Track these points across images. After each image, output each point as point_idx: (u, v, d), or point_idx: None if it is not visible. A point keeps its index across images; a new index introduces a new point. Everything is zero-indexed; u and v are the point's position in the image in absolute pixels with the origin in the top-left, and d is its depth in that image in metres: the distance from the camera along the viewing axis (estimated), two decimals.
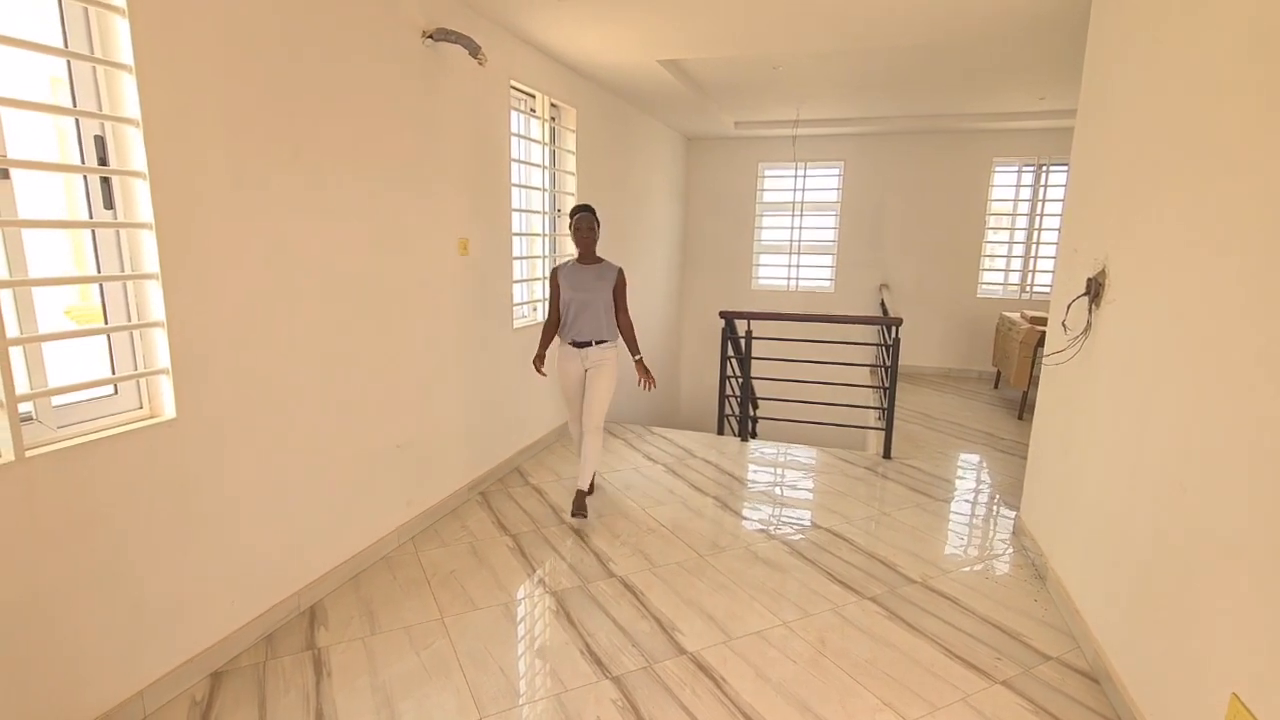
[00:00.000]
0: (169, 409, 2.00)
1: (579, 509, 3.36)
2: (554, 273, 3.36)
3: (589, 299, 3.27)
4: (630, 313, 3.46)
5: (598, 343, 3.33)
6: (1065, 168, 6.64)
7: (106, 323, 1.94)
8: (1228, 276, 1.67)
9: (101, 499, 1.82)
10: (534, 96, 4.25)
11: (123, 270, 1.94)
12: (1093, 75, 2.82)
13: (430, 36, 2.96)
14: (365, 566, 2.87)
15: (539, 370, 3.48)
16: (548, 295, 3.45)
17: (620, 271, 3.37)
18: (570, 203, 4.72)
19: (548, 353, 3.50)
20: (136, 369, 1.98)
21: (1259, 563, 1.46)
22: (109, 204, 1.90)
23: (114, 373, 1.95)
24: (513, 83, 3.84)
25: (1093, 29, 2.85)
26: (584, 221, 3.30)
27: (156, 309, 1.95)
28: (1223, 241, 1.71)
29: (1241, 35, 1.70)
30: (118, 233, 1.91)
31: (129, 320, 1.96)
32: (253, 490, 2.29)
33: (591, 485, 3.49)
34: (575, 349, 3.34)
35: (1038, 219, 7.02)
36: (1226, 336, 1.66)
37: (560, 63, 4.34)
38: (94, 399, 1.90)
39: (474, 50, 3.04)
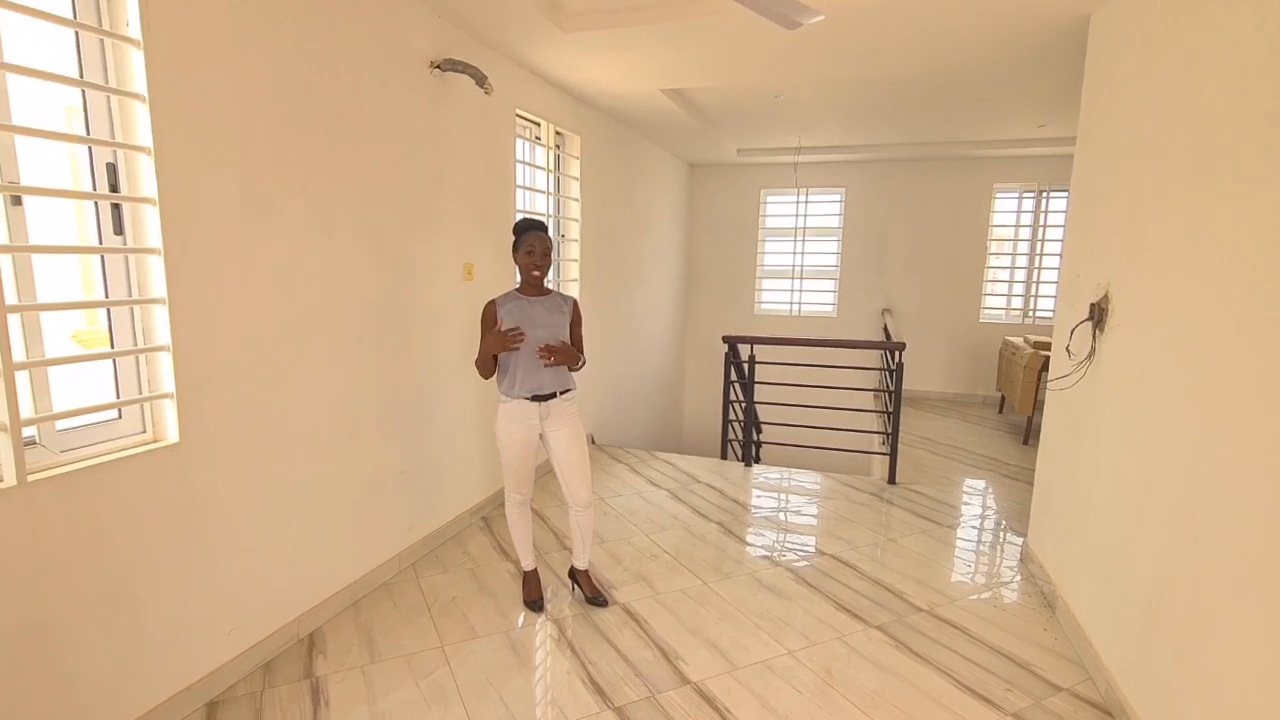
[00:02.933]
0: (172, 433, 2.00)
1: (597, 593, 2.82)
2: (490, 307, 2.58)
3: (545, 339, 2.55)
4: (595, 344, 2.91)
5: (562, 393, 2.65)
6: (1065, 193, 6.68)
7: (113, 347, 1.95)
8: (1231, 301, 1.67)
9: (103, 524, 1.81)
10: (539, 124, 4.31)
11: (130, 295, 1.96)
12: (1091, 103, 2.85)
13: (438, 67, 3.02)
14: (365, 593, 2.84)
15: (512, 337, 2.51)
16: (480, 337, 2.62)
17: (576, 304, 2.71)
18: (575, 229, 4.76)
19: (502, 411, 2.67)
20: (141, 393, 1.99)
21: (1270, 591, 1.44)
22: (119, 229, 1.92)
23: (119, 397, 1.96)
24: (518, 111, 3.90)
25: (1090, 58, 2.89)
26: (540, 242, 2.54)
27: (163, 333, 1.96)
28: (1225, 266, 1.71)
29: (1241, 62, 1.72)
30: (126, 258, 1.93)
31: (135, 345, 1.97)
32: (254, 515, 2.28)
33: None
34: (533, 405, 2.58)
35: (1039, 244, 7.06)
36: (1231, 361, 1.65)
37: (565, 91, 4.42)
38: (98, 423, 1.90)
39: (480, 80, 3.09)
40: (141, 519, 1.91)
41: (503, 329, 2.53)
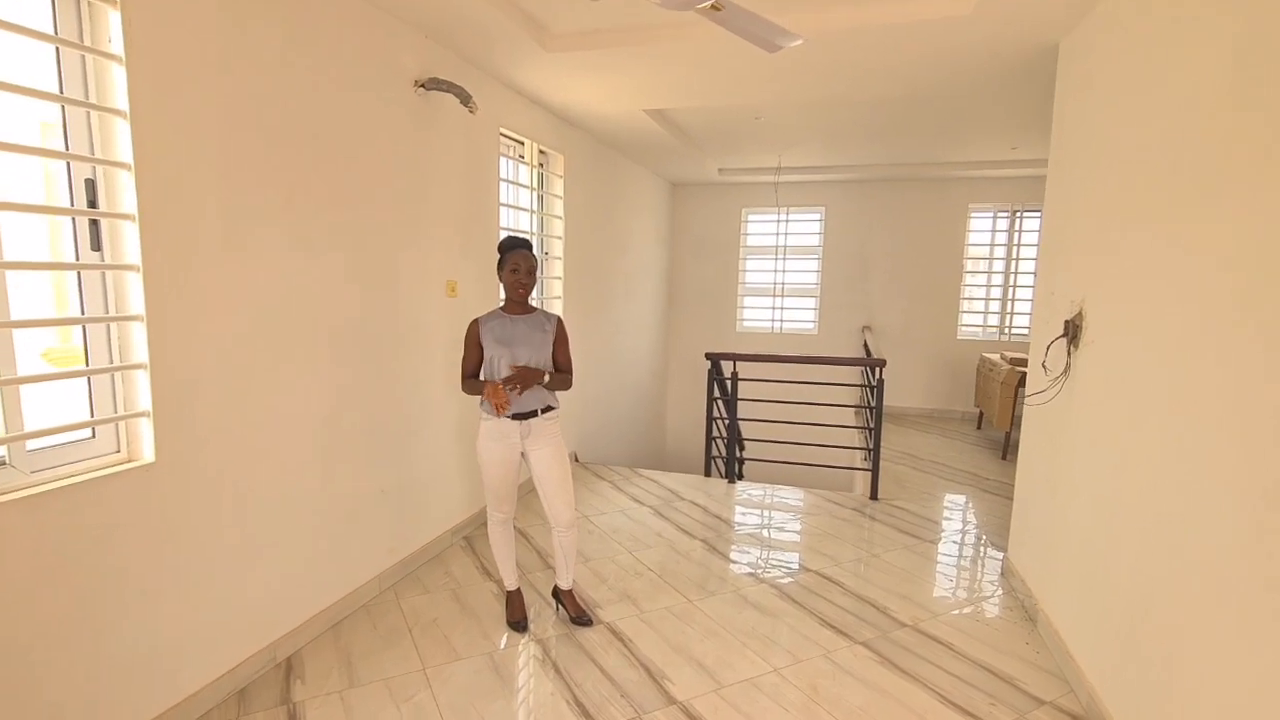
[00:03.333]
0: (148, 452, 1.96)
1: (581, 613, 2.79)
2: (474, 326, 2.58)
3: (527, 358, 2.54)
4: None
5: (544, 412, 2.63)
6: (1038, 213, 6.85)
7: (88, 365, 1.91)
8: (1200, 316, 1.72)
9: (73, 546, 1.77)
10: (523, 143, 4.34)
11: (107, 312, 1.93)
12: (1061, 126, 2.94)
13: (423, 85, 3.04)
14: (345, 615, 2.78)
15: (503, 389, 2.45)
16: (463, 355, 2.63)
17: (560, 322, 2.69)
18: (559, 247, 4.78)
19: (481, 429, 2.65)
20: (116, 412, 1.95)
21: (1243, 601, 1.47)
22: (96, 246, 1.90)
23: (93, 415, 1.92)
24: (502, 130, 3.92)
25: (1060, 83, 2.98)
26: (524, 261, 2.53)
27: (140, 351, 1.93)
28: (1194, 283, 1.76)
29: (1201, 88, 1.79)
30: (104, 274, 1.91)
31: (111, 362, 1.94)
32: (231, 537, 2.23)
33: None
34: (514, 423, 2.56)
35: (1014, 263, 7.21)
36: (1202, 375, 1.70)
37: (549, 111, 4.45)
38: (71, 442, 1.86)
39: (465, 99, 3.11)
40: (114, 541, 1.87)
41: (477, 361, 2.59)
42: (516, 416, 2.57)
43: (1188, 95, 1.85)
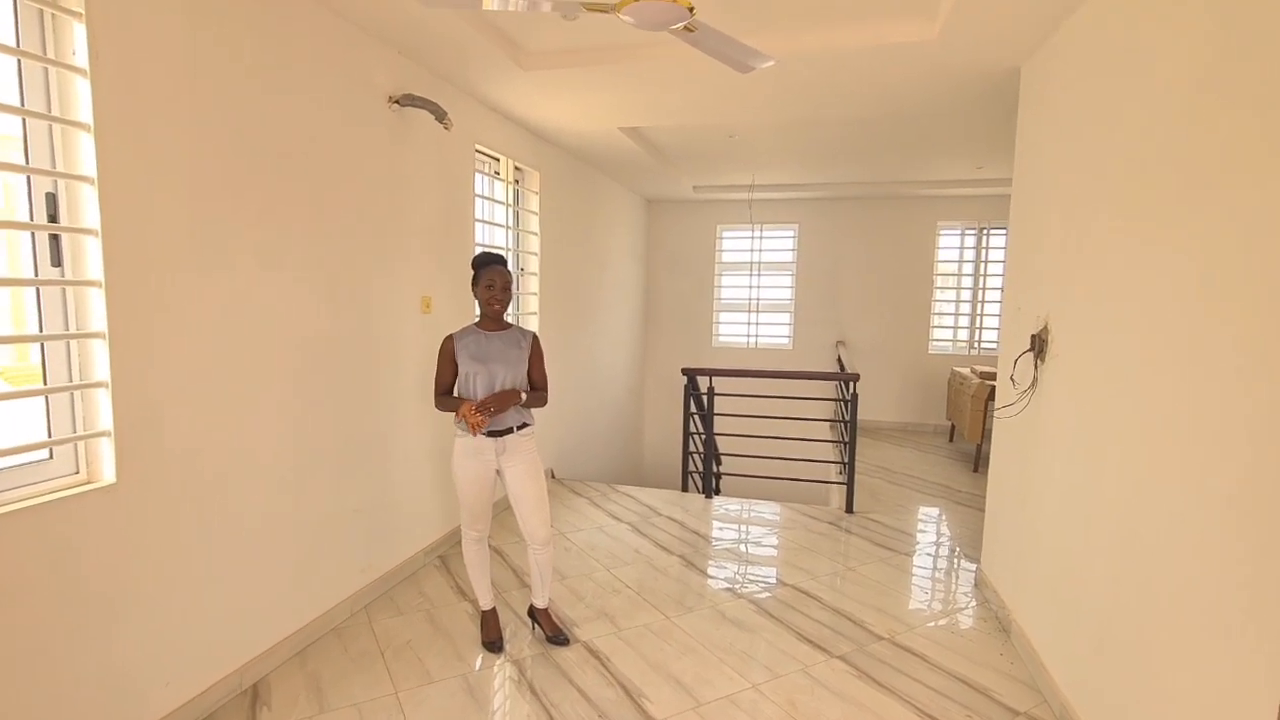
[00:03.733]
0: (108, 473, 1.90)
1: (558, 631, 2.76)
2: (448, 343, 2.55)
3: (503, 375, 2.53)
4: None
5: (519, 428, 2.61)
6: (1004, 231, 7.03)
7: (46, 383, 1.85)
8: (1160, 331, 1.78)
9: (29, 571, 1.70)
10: (498, 160, 4.34)
11: (67, 329, 1.87)
12: (1024, 147, 3.03)
13: (397, 102, 3.03)
14: (314, 639, 2.71)
15: (479, 413, 2.43)
16: (436, 372, 2.59)
17: (536, 338, 2.68)
18: (534, 263, 4.78)
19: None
20: (76, 432, 1.89)
21: (1211, 610, 1.51)
22: (56, 261, 1.85)
23: (50, 436, 1.86)
24: (478, 146, 3.92)
25: (1022, 106, 3.08)
26: (500, 277, 2.53)
27: (101, 369, 1.87)
28: (1153, 298, 1.82)
29: (1156, 111, 1.87)
30: (64, 291, 1.86)
31: (71, 381, 1.88)
32: (195, 559, 2.17)
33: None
34: (489, 440, 2.54)
35: (982, 279, 7.38)
36: (1162, 387, 1.75)
37: (524, 128, 4.47)
38: (27, 464, 1.79)
39: (440, 115, 3.11)
40: (73, 565, 1.80)
41: (451, 378, 2.56)
42: (492, 434, 2.54)
43: (1142, 118, 1.92)
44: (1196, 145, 1.65)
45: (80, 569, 1.82)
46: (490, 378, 2.53)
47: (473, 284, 2.57)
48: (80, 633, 1.83)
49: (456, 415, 2.53)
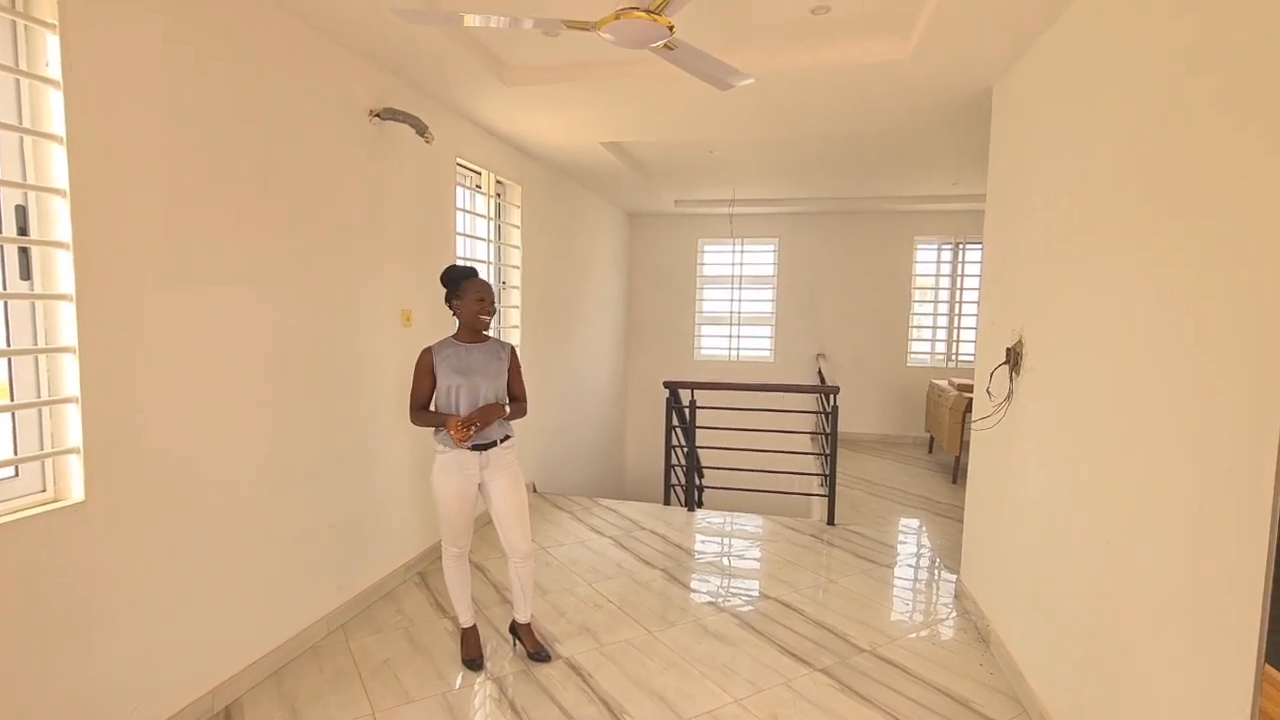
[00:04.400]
0: (77, 491, 1.85)
1: (539, 647, 2.73)
2: (426, 355, 2.51)
3: (485, 387, 2.52)
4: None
5: (502, 441, 2.60)
6: (979, 245, 7.16)
7: (13, 399, 1.81)
8: (1131, 343, 1.82)
9: None
10: (480, 173, 4.34)
11: (36, 343, 1.83)
12: (997, 164, 3.10)
13: (378, 115, 3.02)
14: (290, 659, 2.65)
15: (463, 428, 2.39)
16: (413, 385, 2.54)
17: (514, 350, 2.69)
18: (516, 276, 4.77)
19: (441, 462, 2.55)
20: (43, 448, 1.84)
21: (1184, 619, 1.53)
22: (26, 275, 1.81)
23: (17, 453, 1.81)
24: (459, 160, 3.93)
25: (994, 124, 3.15)
26: (488, 291, 2.55)
27: (71, 384, 1.84)
28: (1122, 311, 1.87)
29: (1123, 130, 1.92)
30: (33, 304, 1.82)
31: (39, 396, 1.84)
32: (166, 578, 2.12)
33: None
34: (473, 455, 2.51)
35: (958, 292, 7.50)
36: (1132, 398, 1.79)
37: (506, 142, 4.48)
38: None
39: (421, 129, 3.11)
40: (37, 586, 1.75)
41: (428, 391, 2.53)
42: (476, 447, 2.52)
43: (1108, 138, 1.98)
44: (1160, 163, 1.70)
45: (46, 590, 1.77)
46: (473, 390, 2.51)
47: (454, 297, 2.56)
48: (45, 655, 1.78)
49: (437, 430, 2.51)
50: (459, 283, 2.55)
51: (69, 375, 1.84)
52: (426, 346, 2.56)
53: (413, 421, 2.55)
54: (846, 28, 2.76)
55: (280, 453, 2.58)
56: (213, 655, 2.31)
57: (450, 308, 2.59)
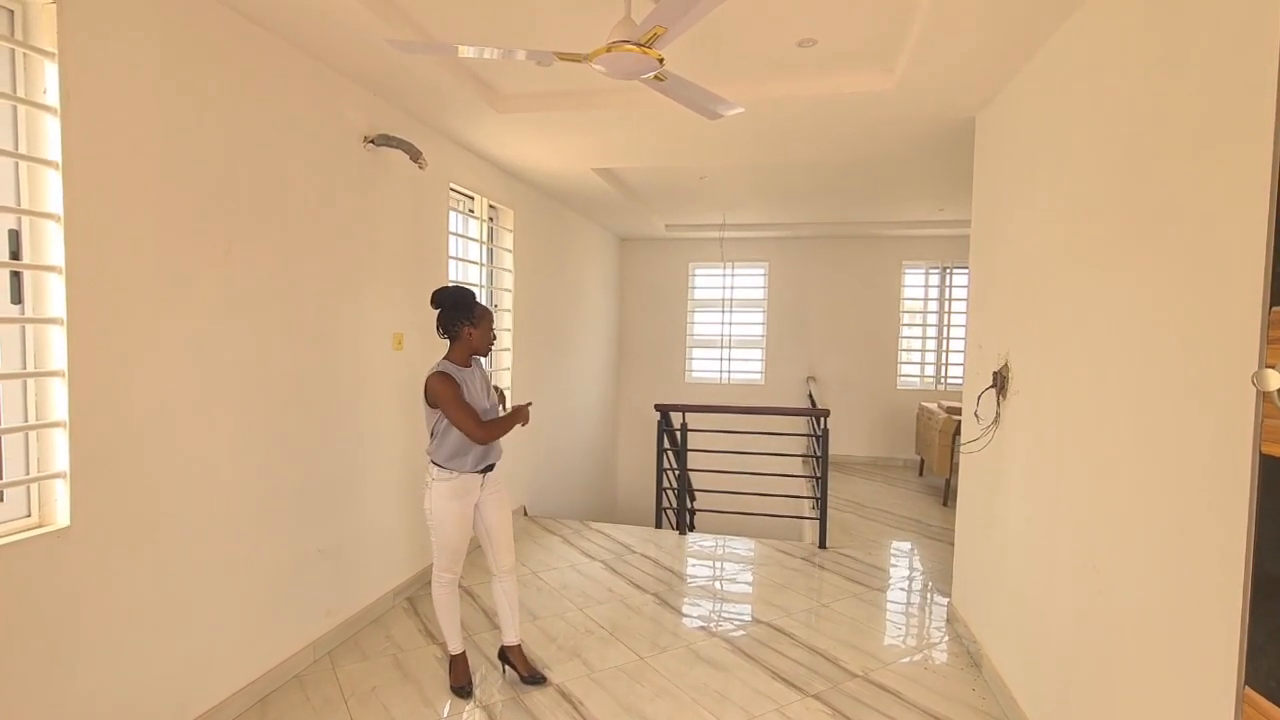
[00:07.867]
0: (62, 516, 1.84)
1: (533, 671, 2.72)
2: (451, 380, 2.46)
3: (486, 408, 2.59)
4: None
5: (497, 463, 2.69)
6: (966, 270, 7.26)
7: (1, 423, 1.80)
8: (1113, 366, 1.85)
9: None
10: (473, 198, 4.39)
11: (25, 368, 1.83)
12: (981, 191, 3.17)
13: (371, 141, 3.06)
14: (275, 686, 2.61)
15: (522, 412, 2.62)
16: (459, 400, 2.47)
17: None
18: (508, 300, 4.79)
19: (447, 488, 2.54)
20: (29, 473, 1.83)
21: (1170, 640, 1.54)
22: (17, 298, 1.82)
23: (2, 478, 1.79)
24: (452, 185, 3.97)
25: (978, 153, 3.23)
26: (489, 316, 2.64)
27: (59, 409, 1.83)
28: (1105, 335, 1.90)
29: (1101, 158, 1.98)
30: (24, 328, 1.82)
31: (26, 420, 1.83)
32: (150, 605, 2.09)
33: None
34: (477, 477, 2.56)
35: (946, 316, 7.59)
36: (1115, 422, 1.82)
37: (498, 167, 4.53)
38: None
39: (414, 155, 3.15)
40: (19, 612, 1.72)
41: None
42: (484, 470, 2.60)
43: (1087, 167, 2.04)
44: (1137, 192, 1.75)
45: (29, 616, 1.75)
46: (481, 410, 2.56)
47: (468, 322, 2.52)
48: (27, 682, 1.74)
49: (450, 457, 2.49)
50: (473, 308, 2.53)
51: (58, 399, 1.83)
52: (442, 372, 2.47)
53: (486, 438, 2.47)
54: (832, 60, 2.83)
55: (268, 477, 2.56)
56: (197, 682, 2.27)
57: (453, 332, 2.54)
